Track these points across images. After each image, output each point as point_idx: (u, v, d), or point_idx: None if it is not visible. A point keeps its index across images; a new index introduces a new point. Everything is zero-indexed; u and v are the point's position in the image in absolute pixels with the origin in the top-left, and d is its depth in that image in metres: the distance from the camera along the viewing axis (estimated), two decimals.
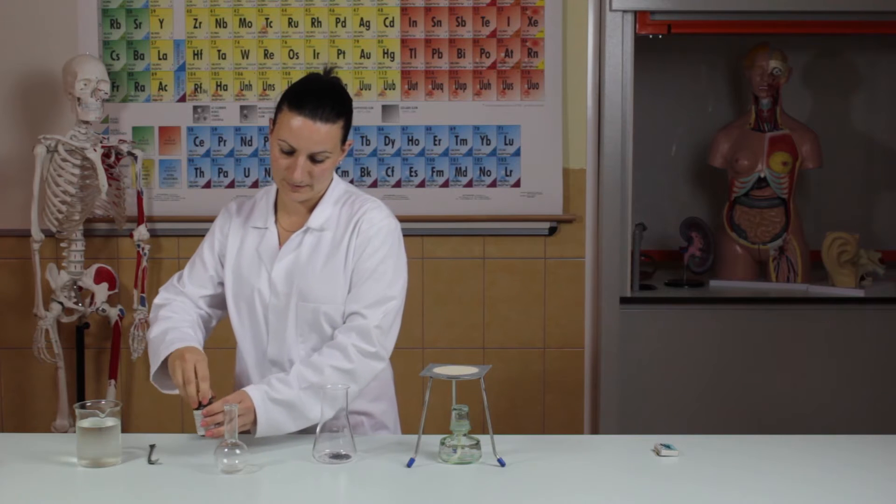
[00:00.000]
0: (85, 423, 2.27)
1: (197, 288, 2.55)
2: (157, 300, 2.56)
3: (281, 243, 2.48)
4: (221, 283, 2.56)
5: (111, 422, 2.28)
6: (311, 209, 2.48)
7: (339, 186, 2.51)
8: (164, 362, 2.41)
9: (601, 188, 3.95)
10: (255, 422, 2.33)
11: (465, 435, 2.30)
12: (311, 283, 2.44)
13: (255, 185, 3.94)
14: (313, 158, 2.37)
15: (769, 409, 3.99)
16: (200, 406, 2.29)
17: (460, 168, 3.94)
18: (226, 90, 3.93)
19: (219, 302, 2.59)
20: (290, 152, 2.36)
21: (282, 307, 2.46)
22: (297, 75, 3.91)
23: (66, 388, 3.80)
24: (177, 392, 2.37)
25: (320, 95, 2.37)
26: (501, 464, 2.28)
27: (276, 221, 2.51)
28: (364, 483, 2.21)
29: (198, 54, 3.92)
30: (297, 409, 2.35)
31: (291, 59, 3.92)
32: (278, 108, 2.40)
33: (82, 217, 3.72)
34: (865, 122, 4.58)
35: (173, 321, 2.47)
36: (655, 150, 4.54)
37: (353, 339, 2.38)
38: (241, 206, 2.57)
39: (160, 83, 3.93)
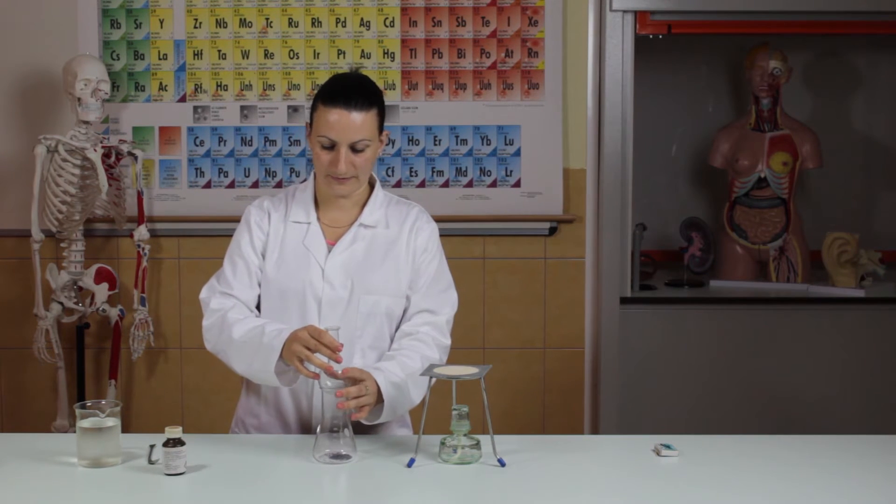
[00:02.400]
0: (85, 423, 2.28)
1: (247, 289, 2.52)
2: (213, 305, 2.49)
3: (326, 238, 2.52)
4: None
5: (111, 422, 2.28)
6: (360, 206, 2.55)
7: (380, 189, 2.60)
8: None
9: (601, 188, 3.95)
10: (376, 404, 2.36)
11: (465, 435, 2.30)
12: (371, 277, 2.50)
13: (255, 185, 3.94)
14: (354, 148, 2.44)
15: (769, 409, 3.99)
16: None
17: (460, 168, 3.94)
18: (226, 90, 3.93)
19: None
20: (331, 146, 2.44)
21: (340, 299, 2.49)
22: (297, 75, 3.91)
23: (66, 388, 3.80)
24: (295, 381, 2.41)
25: (351, 87, 2.46)
26: (501, 464, 2.28)
27: (317, 217, 2.55)
28: (364, 483, 2.21)
29: (198, 54, 3.92)
30: (404, 393, 2.41)
31: (291, 59, 3.92)
32: (313, 109, 2.47)
33: (82, 217, 3.72)
34: (865, 122, 4.58)
35: (256, 318, 2.47)
36: (655, 150, 4.54)
37: (432, 331, 2.52)
38: (273, 203, 2.59)
39: (160, 83, 3.93)
